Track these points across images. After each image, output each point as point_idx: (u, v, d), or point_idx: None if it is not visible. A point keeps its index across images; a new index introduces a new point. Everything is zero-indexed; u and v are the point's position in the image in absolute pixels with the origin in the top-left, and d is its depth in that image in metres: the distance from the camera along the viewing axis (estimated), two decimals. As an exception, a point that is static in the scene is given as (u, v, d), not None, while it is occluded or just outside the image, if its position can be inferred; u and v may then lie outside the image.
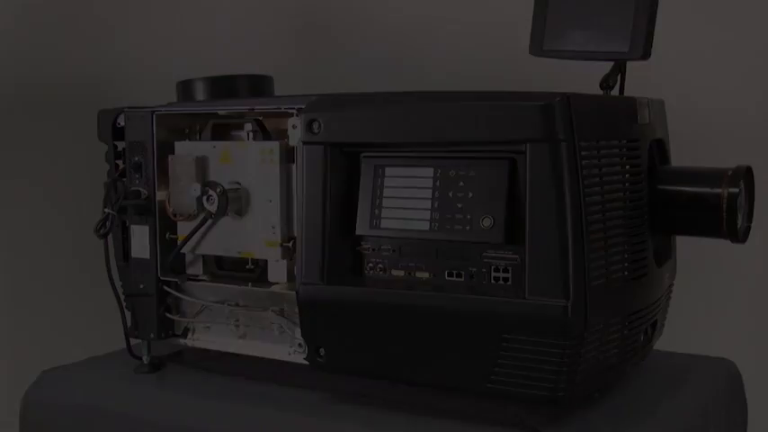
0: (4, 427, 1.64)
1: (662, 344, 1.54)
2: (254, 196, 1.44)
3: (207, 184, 1.45)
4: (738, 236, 1.35)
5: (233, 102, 1.58)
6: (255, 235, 1.44)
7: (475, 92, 1.27)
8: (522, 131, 1.20)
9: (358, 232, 1.34)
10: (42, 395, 1.55)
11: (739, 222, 1.35)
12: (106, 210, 1.55)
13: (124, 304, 1.60)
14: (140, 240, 1.57)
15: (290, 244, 1.42)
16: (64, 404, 1.51)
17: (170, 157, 1.52)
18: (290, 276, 1.43)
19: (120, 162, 1.59)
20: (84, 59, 2.49)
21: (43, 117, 2.45)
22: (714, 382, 1.57)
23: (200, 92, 1.70)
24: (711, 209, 1.34)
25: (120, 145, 1.59)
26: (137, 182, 1.56)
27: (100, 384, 1.53)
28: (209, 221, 1.47)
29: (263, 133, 1.47)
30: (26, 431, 1.55)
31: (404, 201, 1.31)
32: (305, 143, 1.36)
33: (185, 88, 1.72)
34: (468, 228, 1.26)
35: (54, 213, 2.47)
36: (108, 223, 1.54)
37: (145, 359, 1.59)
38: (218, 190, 1.44)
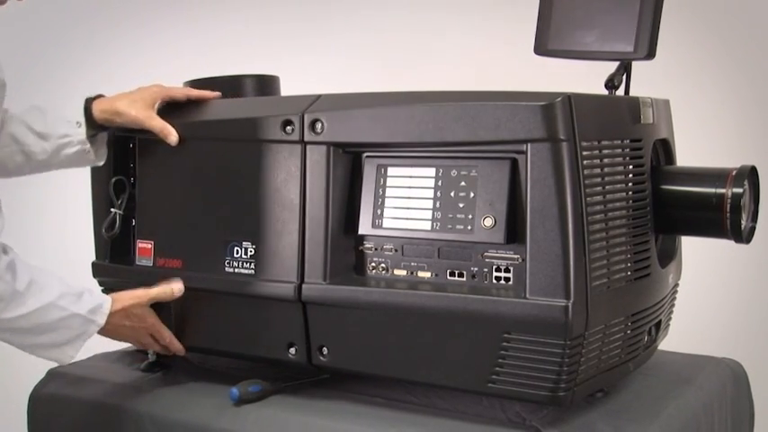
0: (12, 424, 1.66)
1: (667, 344, 1.54)
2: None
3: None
4: (743, 236, 1.34)
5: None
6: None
7: (476, 92, 1.27)
8: (524, 131, 1.19)
9: (360, 232, 1.35)
10: (49, 393, 1.56)
11: (743, 223, 1.34)
12: (113, 210, 1.56)
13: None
14: (146, 239, 1.57)
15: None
16: (71, 402, 1.52)
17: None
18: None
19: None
20: (87, 59, 2.51)
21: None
22: (720, 382, 1.56)
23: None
24: (715, 209, 1.33)
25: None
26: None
27: (107, 382, 1.53)
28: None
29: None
30: (34, 429, 1.57)
31: (406, 201, 1.31)
32: (307, 143, 1.36)
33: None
34: (469, 228, 1.26)
35: (59, 211, 2.49)
36: (116, 223, 1.55)
37: (151, 357, 1.59)
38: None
